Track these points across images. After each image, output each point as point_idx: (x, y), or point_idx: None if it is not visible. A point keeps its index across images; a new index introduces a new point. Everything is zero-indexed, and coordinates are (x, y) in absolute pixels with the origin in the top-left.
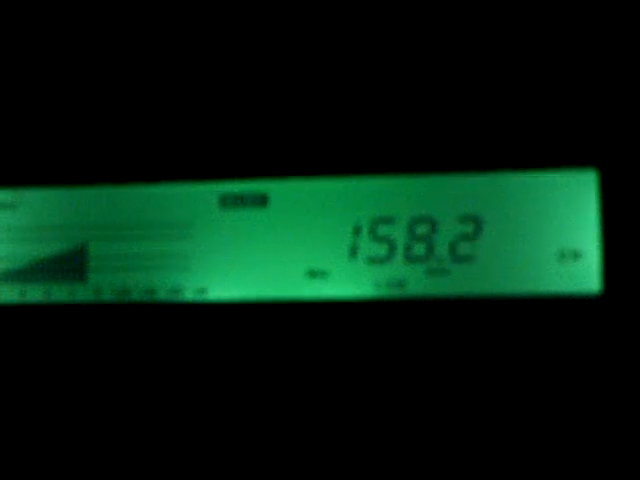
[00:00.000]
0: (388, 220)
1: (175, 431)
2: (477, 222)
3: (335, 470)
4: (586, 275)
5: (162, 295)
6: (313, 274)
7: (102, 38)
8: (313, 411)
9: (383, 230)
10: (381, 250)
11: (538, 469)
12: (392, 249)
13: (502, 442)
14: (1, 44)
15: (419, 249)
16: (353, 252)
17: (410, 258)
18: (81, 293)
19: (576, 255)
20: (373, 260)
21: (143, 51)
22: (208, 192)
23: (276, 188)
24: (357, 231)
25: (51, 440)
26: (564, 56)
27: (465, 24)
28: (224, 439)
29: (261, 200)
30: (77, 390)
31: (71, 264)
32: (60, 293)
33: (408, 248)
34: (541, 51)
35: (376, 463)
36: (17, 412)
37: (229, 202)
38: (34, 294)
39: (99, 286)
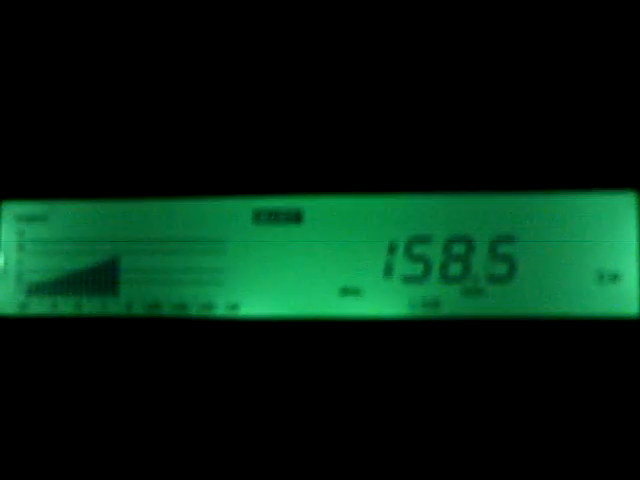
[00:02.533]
0: (424, 239)
1: (203, 445)
2: (514, 243)
3: None
4: (625, 297)
5: (193, 310)
6: (347, 292)
7: (133, 57)
8: (346, 430)
9: (419, 249)
10: (416, 269)
11: None
12: (427, 268)
13: (535, 461)
14: (35, 61)
15: (455, 269)
16: (388, 271)
17: (446, 278)
18: (112, 306)
19: (615, 277)
20: (408, 279)
21: (175, 70)
22: (242, 207)
23: (310, 204)
24: (392, 249)
25: (80, 450)
26: (604, 78)
27: (506, 47)
28: (252, 453)
29: (295, 216)
30: (107, 403)
31: (102, 277)
32: (91, 306)
33: (444, 267)
34: (581, 73)
35: None
36: (48, 422)
37: (263, 218)
38: (65, 307)
39: (130, 300)
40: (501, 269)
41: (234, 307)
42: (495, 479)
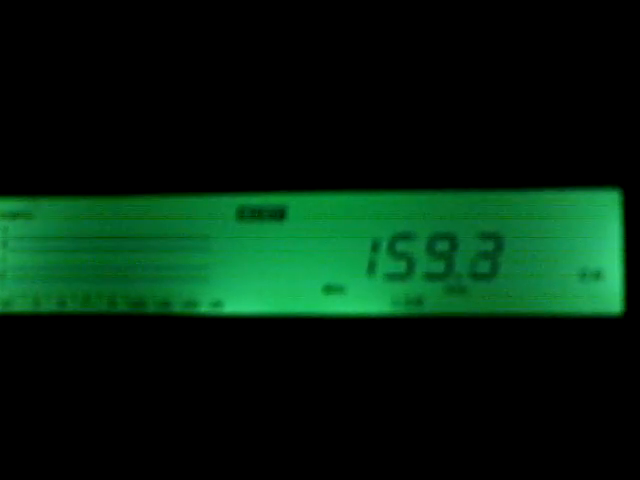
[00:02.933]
0: (407, 236)
1: (187, 444)
2: (498, 240)
3: None
4: (608, 295)
5: (177, 307)
6: (330, 289)
7: (122, 52)
8: (329, 428)
9: (402, 246)
10: (400, 267)
11: None
12: (411, 266)
13: (520, 461)
14: (19, 54)
15: (438, 266)
16: (371, 268)
17: (429, 275)
18: (96, 303)
19: (598, 275)
20: (391, 277)
21: (161, 66)
22: (225, 205)
23: (294, 202)
24: (376, 247)
25: (60, 447)
26: (589, 76)
27: (488, 39)
28: (237, 453)
29: (279, 213)
30: (90, 400)
31: (86, 274)
32: (74, 303)
33: (427, 265)
34: (566, 70)
35: None
36: (31, 420)
37: (246, 215)
38: (49, 304)
39: (114, 297)
40: (484, 267)
41: (218, 304)
42: (477, 477)
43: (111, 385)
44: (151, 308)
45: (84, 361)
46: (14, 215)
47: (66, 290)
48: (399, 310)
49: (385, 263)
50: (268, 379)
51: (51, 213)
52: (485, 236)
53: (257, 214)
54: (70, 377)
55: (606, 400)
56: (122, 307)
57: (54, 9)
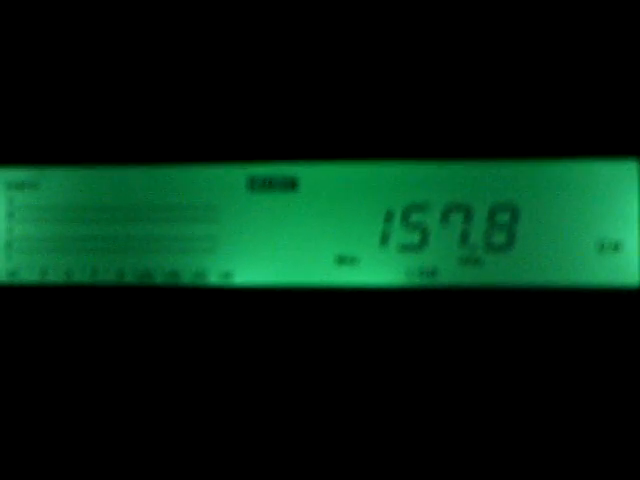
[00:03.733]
0: (421, 207)
1: (196, 416)
2: (513, 211)
3: (356, 460)
4: (626, 267)
5: (186, 278)
6: (343, 260)
7: (129, 23)
8: (340, 400)
9: (416, 217)
10: (413, 237)
11: (571, 462)
12: (425, 237)
13: (533, 434)
14: (24, 24)
15: (453, 237)
16: (384, 239)
17: (443, 246)
18: (103, 274)
19: (616, 247)
20: (405, 248)
21: (170, 35)
22: (236, 174)
23: (306, 172)
24: (389, 217)
25: (71, 423)
26: (606, 43)
27: (509, 12)
28: (246, 427)
29: (290, 184)
30: (98, 372)
31: (93, 245)
32: (82, 274)
33: (441, 236)
34: (583, 38)
35: (407, 459)
36: (37, 392)
37: (257, 185)
38: (55, 275)
39: (122, 268)
40: (500, 238)
41: (227, 275)
42: (494, 453)
43: (119, 357)
44: (159, 279)
45: (91, 332)
46: (20, 185)
47: (73, 261)
48: (413, 281)
49: (399, 234)
50: (279, 351)
51: (57, 183)
52: (500, 207)
53: (268, 184)
54: (76, 349)
55: (622, 372)
56: (130, 278)
57: None
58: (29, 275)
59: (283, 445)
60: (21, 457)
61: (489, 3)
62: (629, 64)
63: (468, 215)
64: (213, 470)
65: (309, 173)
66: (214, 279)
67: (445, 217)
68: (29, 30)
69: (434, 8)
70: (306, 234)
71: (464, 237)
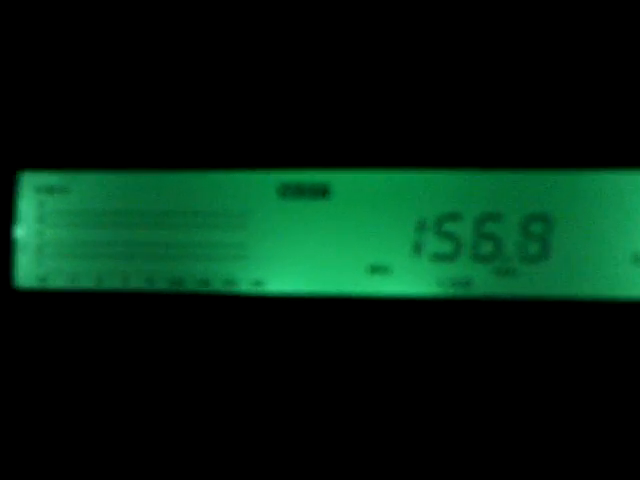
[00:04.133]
0: (454, 216)
1: (226, 423)
2: (548, 221)
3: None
4: None
5: (216, 286)
6: (374, 270)
7: (157, 25)
8: (372, 409)
9: (449, 227)
10: (446, 247)
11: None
12: (458, 247)
13: (573, 445)
14: (52, 26)
15: (486, 247)
16: (417, 248)
17: (477, 257)
18: (134, 281)
19: None
20: (438, 257)
21: (198, 41)
22: (267, 181)
23: (338, 179)
24: (421, 227)
25: (100, 425)
26: (630, 60)
27: (538, 15)
28: (277, 431)
29: (322, 191)
30: (128, 379)
31: (124, 251)
32: (113, 280)
33: (475, 246)
34: (621, 48)
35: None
36: (66, 398)
37: (288, 192)
38: (86, 281)
39: (152, 275)
40: (534, 248)
41: (258, 283)
42: (532, 464)
43: (149, 364)
44: (190, 286)
45: (121, 339)
46: (50, 189)
47: (103, 267)
48: (446, 292)
49: (431, 243)
50: (310, 360)
51: (88, 187)
52: (535, 217)
53: (299, 191)
54: (107, 355)
55: None
56: (160, 285)
57: None
58: (59, 281)
59: (309, 454)
60: (50, 461)
61: (520, 12)
62: None
63: (502, 225)
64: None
65: (341, 180)
66: (245, 287)
67: (479, 227)
68: (61, 37)
69: (469, 17)
70: (338, 242)
71: (498, 247)
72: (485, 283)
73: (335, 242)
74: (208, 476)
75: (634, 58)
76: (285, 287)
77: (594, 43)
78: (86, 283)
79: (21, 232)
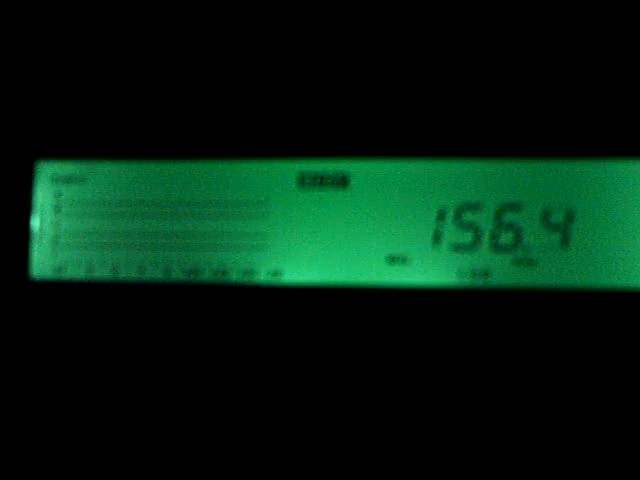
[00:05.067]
0: (474, 206)
1: (246, 411)
2: (568, 211)
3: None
4: None
5: (234, 276)
6: (394, 260)
7: (176, 19)
8: (393, 397)
9: (469, 216)
10: (466, 237)
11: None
12: (478, 236)
13: (594, 435)
14: (70, 20)
15: (506, 237)
16: (436, 238)
17: (496, 246)
18: (151, 271)
19: None
20: (457, 247)
21: (214, 33)
22: (286, 170)
23: (357, 168)
24: (441, 216)
25: (116, 414)
26: None
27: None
28: (290, 421)
29: (341, 180)
30: (145, 369)
31: (141, 241)
32: (129, 270)
33: (494, 236)
34: (635, 37)
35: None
36: (83, 387)
37: (308, 181)
38: (102, 271)
39: (169, 265)
40: (554, 238)
41: (276, 273)
42: (552, 458)
43: (165, 354)
44: (207, 276)
45: (138, 329)
46: (67, 179)
47: (120, 257)
48: (465, 282)
49: (451, 233)
50: (328, 350)
51: (105, 177)
52: (555, 207)
53: (319, 181)
54: (123, 345)
55: None
56: (177, 275)
57: None
58: (75, 271)
59: (330, 442)
60: (64, 451)
61: (553, 17)
62: None
63: (522, 215)
64: (232, 466)
65: (360, 169)
66: (263, 277)
67: (498, 217)
68: (79, 29)
69: (486, 5)
70: (357, 232)
71: (518, 237)
72: (504, 273)
73: (354, 232)
74: (219, 465)
75: None
76: (303, 277)
77: (614, 31)
78: (102, 273)
79: (37, 222)
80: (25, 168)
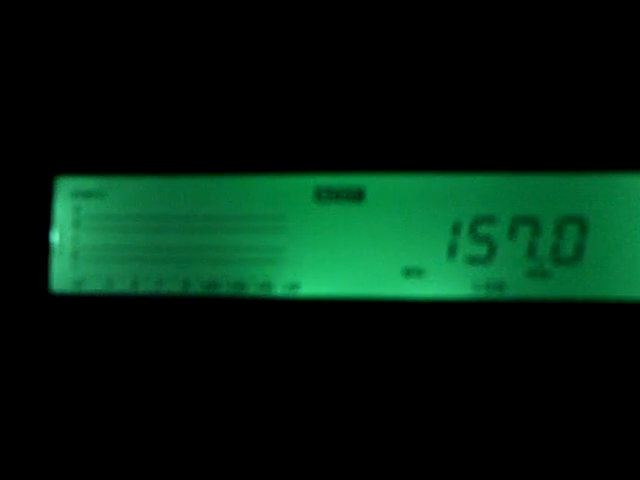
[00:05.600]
0: (489, 219)
1: (262, 424)
2: (582, 223)
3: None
4: None
5: (252, 289)
6: (409, 272)
7: (194, 37)
8: (407, 410)
9: (483, 229)
10: (481, 250)
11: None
12: (492, 249)
13: (600, 448)
14: (86, 35)
15: (520, 250)
16: (452, 251)
17: (511, 259)
18: (169, 284)
19: None
20: (472, 260)
21: (227, 44)
22: (303, 185)
23: (373, 182)
24: (456, 229)
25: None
26: None
27: (560, 15)
28: (314, 431)
29: (357, 194)
30: (162, 381)
31: (160, 255)
32: (148, 284)
33: (509, 248)
34: None
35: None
36: (103, 400)
37: (324, 195)
38: (121, 284)
39: (188, 278)
40: (568, 251)
41: (294, 287)
42: (549, 461)
43: (184, 367)
44: (225, 290)
45: (157, 343)
46: (87, 194)
47: (139, 271)
48: (480, 294)
49: (466, 246)
50: (345, 363)
51: (124, 192)
52: (569, 219)
53: (335, 195)
54: (142, 358)
55: None
56: (195, 288)
57: None
58: (95, 285)
59: (339, 453)
60: (82, 460)
61: (561, 28)
62: None
63: (536, 228)
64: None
65: (376, 183)
66: (280, 290)
67: (513, 229)
68: (97, 46)
69: (497, 17)
70: (373, 245)
71: (532, 250)
72: (519, 285)
73: (370, 245)
74: (226, 471)
75: None
76: (320, 290)
77: (616, 43)
78: (121, 287)
79: (57, 237)
80: (45, 184)
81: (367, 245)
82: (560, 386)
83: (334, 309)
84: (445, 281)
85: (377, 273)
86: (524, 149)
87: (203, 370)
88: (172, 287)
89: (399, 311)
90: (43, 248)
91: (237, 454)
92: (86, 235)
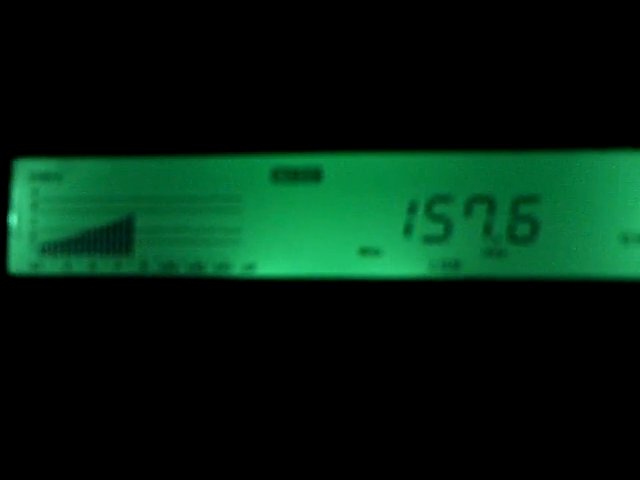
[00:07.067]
0: (445, 198)
1: (219, 407)
2: (537, 202)
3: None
4: None
5: (209, 270)
6: (366, 252)
7: (149, 12)
8: (363, 391)
9: (439, 209)
10: (437, 229)
11: (607, 460)
12: (448, 228)
13: (561, 428)
14: (45, 15)
15: (476, 229)
16: (408, 230)
17: (467, 238)
18: (126, 266)
19: None
20: (428, 239)
21: (190, 26)
22: (259, 165)
23: (330, 163)
24: (412, 209)
25: (90, 411)
26: (629, 35)
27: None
28: (269, 416)
29: (314, 175)
30: (120, 363)
31: (117, 236)
32: (105, 266)
33: (465, 227)
34: (606, 27)
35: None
36: (58, 383)
37: (281, 176)
38: (79, 266)
39: (145, 259)
40: (523, 230)
41: (250, 267)
42: (516, 445)
43: (142, 348)
44: (183, 270)
45: (114, 324)
46: (45, 176)
47: (97, 253)
48: (436, 273)
49: (422, 225)
50: (301, 342)
51: (82, 174)
52: (524, 198)
53: (292, 175)
54: (100, 340)
55: None
56: (153, 269)
57: None
58: (53, 267)
59: (298, 437)
60: (45, 449)
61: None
62: None
63: (491, 207)
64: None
65: (333, 164)
66: (237, 270)
67: (468, 208)
68: (55, 25)
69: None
70: (329, 225)
71: (487, 229)
72: (474, 264)
73: (327, 225)
74: (209, 459)
75: (620, 43)
76: (277, 270)
77: (580, 26)
78: (79, 269)
79: (15, 219)
80: (2, 166)
81: (324, 225)
82: (515, 364)
83: (290, 289)
84: (401, 260)
85: (333, 253)
86: (479, 128)
87: (160, 351)
88: (130, 269)
89: (355, 290)
90: (1, 230)
91: (198, 428)
92: (44, 217)
